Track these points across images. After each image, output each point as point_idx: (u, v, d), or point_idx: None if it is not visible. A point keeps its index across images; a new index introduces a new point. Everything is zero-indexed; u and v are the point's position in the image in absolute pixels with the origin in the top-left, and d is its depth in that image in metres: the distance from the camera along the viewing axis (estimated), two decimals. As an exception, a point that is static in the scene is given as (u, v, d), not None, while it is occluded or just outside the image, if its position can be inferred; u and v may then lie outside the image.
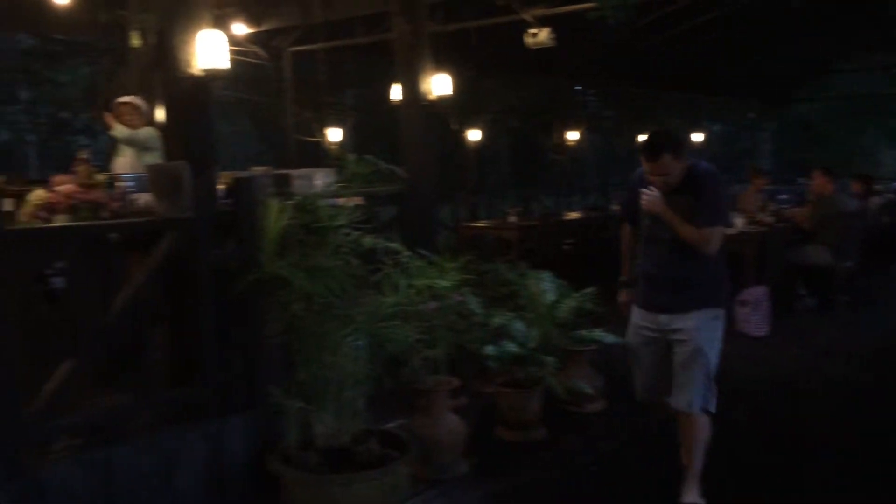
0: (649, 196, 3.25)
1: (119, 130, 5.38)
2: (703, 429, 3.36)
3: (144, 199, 4.23)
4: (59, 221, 3.35)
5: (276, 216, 3.49)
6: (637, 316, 3.45)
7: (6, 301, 2.83)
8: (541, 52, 6.90)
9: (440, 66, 5.86)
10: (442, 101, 5.81)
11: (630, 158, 11.39)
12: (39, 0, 7.43)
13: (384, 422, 3.91)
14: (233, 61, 3.81)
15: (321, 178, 4.93)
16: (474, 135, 9.99)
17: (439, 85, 5.78)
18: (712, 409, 3.34)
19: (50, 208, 3.35)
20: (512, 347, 4.31)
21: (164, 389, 3.49)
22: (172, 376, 3.58)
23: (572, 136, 11.69)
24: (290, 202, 3.64)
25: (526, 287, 4.94)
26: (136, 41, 7.95)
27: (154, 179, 3.38)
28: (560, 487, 3.75)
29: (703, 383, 3.27)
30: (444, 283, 3.97)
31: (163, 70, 3.50)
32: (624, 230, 3.69)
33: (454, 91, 5.99)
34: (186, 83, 3.44)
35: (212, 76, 3.50)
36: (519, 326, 4.48)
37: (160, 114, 3.76)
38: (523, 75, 10.48)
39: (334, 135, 9.15)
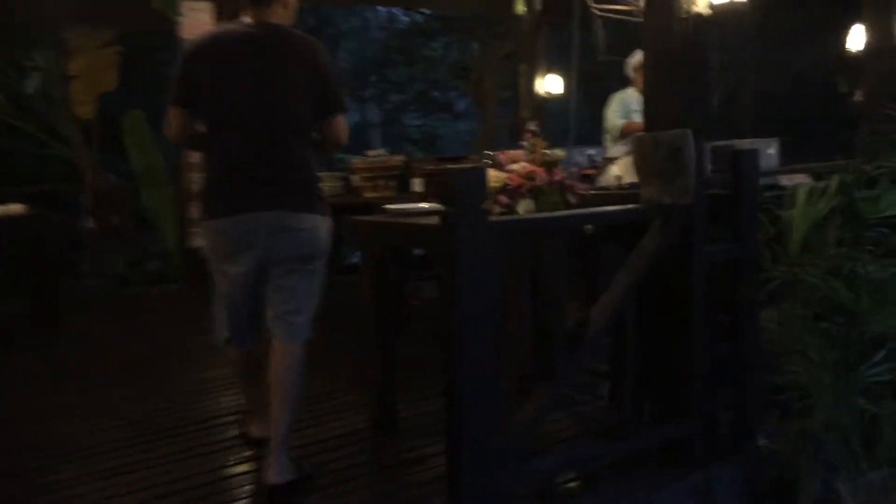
0: None
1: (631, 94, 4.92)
2: None
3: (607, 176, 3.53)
4: (524, 208, 2.72)
5: (805, 202, 2.54)
6: None
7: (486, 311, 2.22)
8: None
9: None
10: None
11: None
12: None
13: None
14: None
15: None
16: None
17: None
18: None
19: (513, 192, 2.73)
20: None
21: (640, 424, 2.73)
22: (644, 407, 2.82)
23: None
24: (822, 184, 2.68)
25: None
26: (520, 8, 7.52)
27: (643, 153, 2.59)
28: None
29: None
30: None
31: (649, 15, 2.70)
32: None
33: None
34: (684, 27, 2.60)
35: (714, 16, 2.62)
36: None
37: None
38: None
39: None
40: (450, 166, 4.80)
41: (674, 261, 2.60)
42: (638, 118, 4.74)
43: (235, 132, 2.59)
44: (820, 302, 2.49)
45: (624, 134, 4.65)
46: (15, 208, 4.97)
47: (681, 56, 2.61)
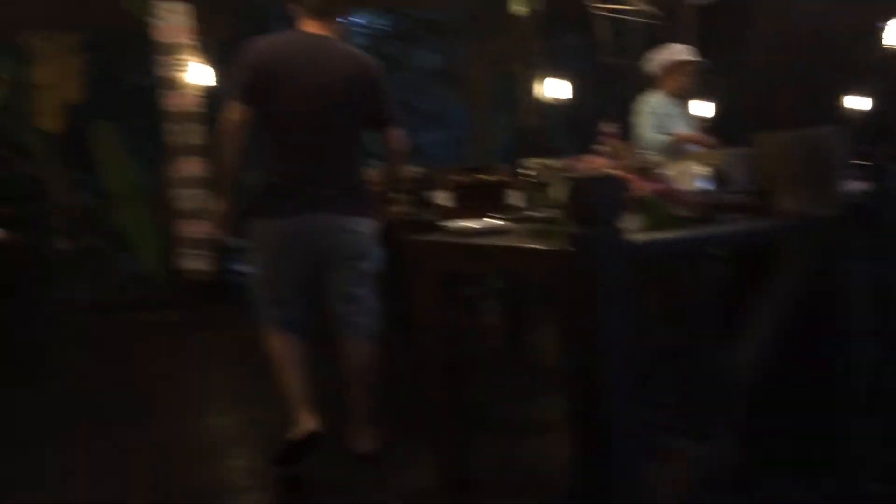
0: None
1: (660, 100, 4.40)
2: None
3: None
4: (632, 225, 2.33)
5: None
6: None
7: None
8: None
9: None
10: None
11: None
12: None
13: None
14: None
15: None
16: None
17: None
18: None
19: (617, 205, 2.33)
20: None
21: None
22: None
23: None
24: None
25: None
26: (518, 8, 7.17)
27: (775, 157, 2.22)
28: None
29: None
30: None
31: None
32: None
33: None
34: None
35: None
36: None
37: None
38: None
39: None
40: (483, 177, 4.43)
41: (820, 282, 2.23)
42: (678, 127, 4.37)
43: (294, 138, 2.73)
44: None
45: (672, 149, 4.18)
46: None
47: (810, 43, 2.25)
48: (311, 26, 2.79)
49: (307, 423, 2.77)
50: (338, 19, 2.86)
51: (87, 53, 6.91)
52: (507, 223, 2.94)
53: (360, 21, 9.91)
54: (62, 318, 5.91)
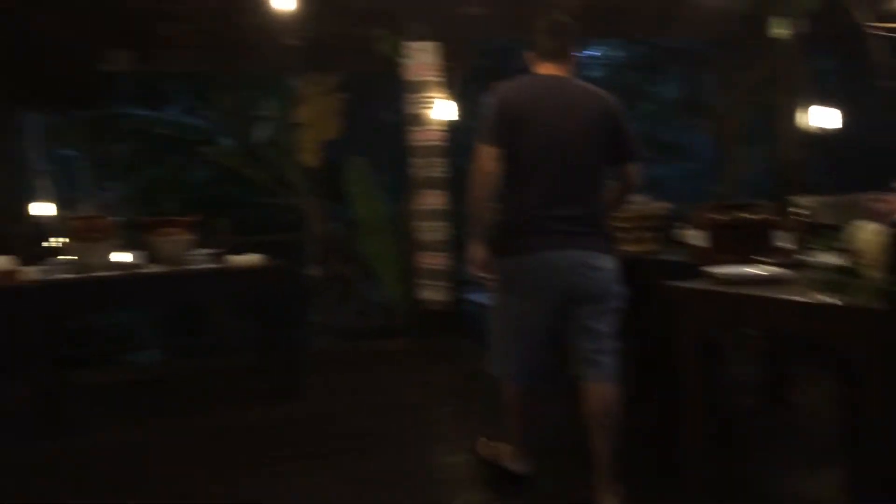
0: None
1: None
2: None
3: None
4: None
5: None
6: None
7: None
8: None
9: None
10: None
11: None
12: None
13: None
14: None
15: None
16: None
17: None
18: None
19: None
20: None
21: None
22: None
23: None
24: None
25: None
26: (779, 29, 6.64)
27: None
28: None
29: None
30: None
31: None
32: None
33: None
34: None
35: None
36: None
37: None
38: None
39: None
40: (745, 215, 4.06)
41: None
42: None
43: (541, 177, 2.78)
44: None
45: None
46: (253, 259, 4.78)
47: None
48: (546, 68, 2.90)
49: (517, 462, 2.99)
50: (573, 60, 2.95)
51: (344, 93, 7.37)
52: (781, 270, 2.63)
53: (595, 53, 9.83)
54: (310, 342, 6.29)
